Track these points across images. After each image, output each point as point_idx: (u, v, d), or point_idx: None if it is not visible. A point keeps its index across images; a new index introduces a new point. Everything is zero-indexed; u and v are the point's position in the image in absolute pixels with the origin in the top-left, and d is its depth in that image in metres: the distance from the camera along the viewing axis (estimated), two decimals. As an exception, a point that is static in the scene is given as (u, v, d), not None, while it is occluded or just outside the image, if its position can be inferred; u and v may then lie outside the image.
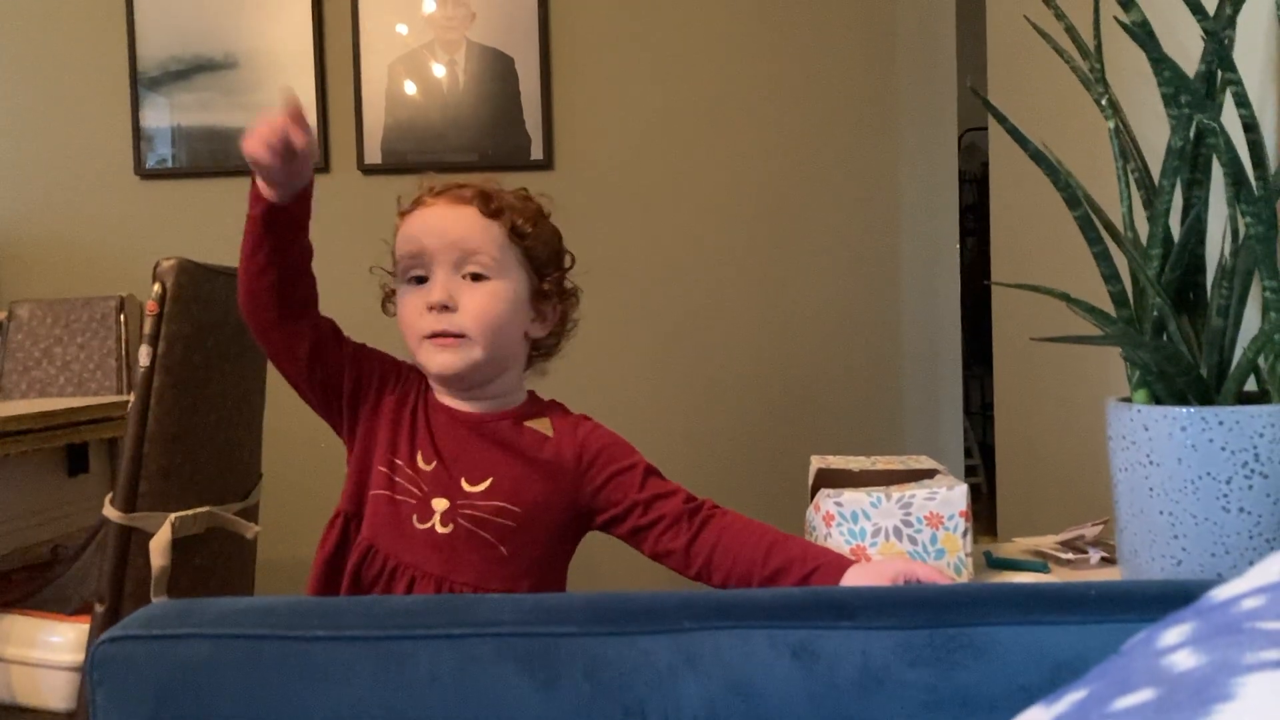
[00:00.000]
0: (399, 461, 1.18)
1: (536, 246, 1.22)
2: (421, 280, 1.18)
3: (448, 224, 1.17)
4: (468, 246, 1.16)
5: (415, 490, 1.16)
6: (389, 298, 1.27)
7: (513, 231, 1.19)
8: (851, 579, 1.07)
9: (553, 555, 1.21)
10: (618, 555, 1.30)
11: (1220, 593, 0.46)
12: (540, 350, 1.29)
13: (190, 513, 1.71)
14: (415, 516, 1.15)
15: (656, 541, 1.17)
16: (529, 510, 1.16)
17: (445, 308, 1.16)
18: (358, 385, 1.22)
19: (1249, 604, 0.43)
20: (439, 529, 1.14)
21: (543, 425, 1.22)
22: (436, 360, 1.17)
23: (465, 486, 1.16)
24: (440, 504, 1.15)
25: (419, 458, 1.18)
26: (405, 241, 1.19)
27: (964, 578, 1.17)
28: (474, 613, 0.81)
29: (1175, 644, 0.42)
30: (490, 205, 1.18)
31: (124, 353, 2.50)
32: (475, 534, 1.14)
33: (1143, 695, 0.39)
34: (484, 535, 1.14)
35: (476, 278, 1.17)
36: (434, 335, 1.16)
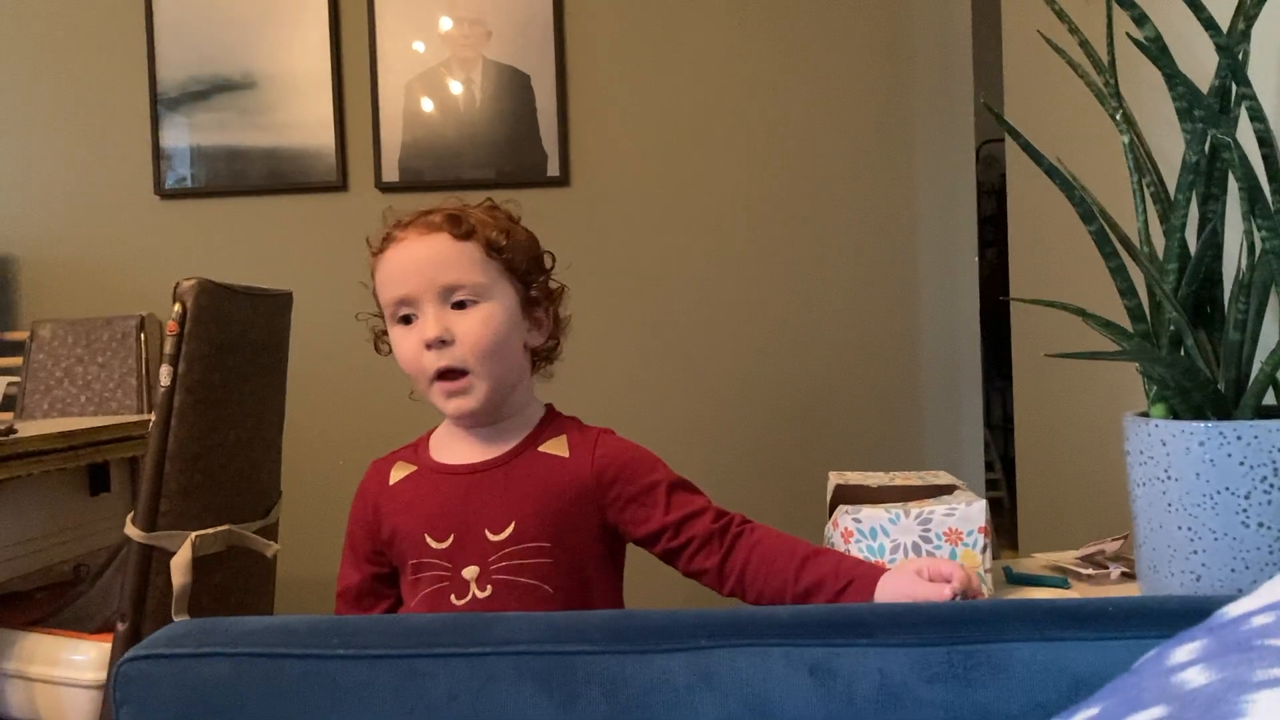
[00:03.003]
0: (416, 559, 1.16)
1: (515, 257, 1.20)
2: (409, 319, 1.16)
3: (423, 258, 1.15)
4: (449, 278, 1.14)
5: (441, 571, 1.14)
6: (380, 338, 1.26)
7: (488, 247, 1.17)
8: (883, 590, 1.05)
9: (601, 576, 1.18)
10: (636, 570, 1.29)
11: (1231, 610, 0.46)
12: (541, 355, 1.27)
13: (211, 531, 1.72)
14: (453, 595, 1.13)
15: (689, 562, 1.15)
16: (560, 540, 1.14)
17: (443, 341, 1.14)
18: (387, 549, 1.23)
19: (1259, 621, 0.43)
20: (479, 596, 1.12)
21: (558, 446, 1.20)
22: (450, 406, 1.16)
23: (490, 537, 1.14)
24: (471, 572, 1.13)
25: (429, 540, 1.16)
26: (387, 284, 1.17)
27: (984, 594, 1.17)
28: (492, 632, 0.81)
29: (1186, 661, 0.43)
30: (460, 227, 1.16)
31: (144, 372, 2.52)
32: (515, 583, 1.12)
33: (1154, 713, 0.40)
34: (525, 581, 1.12)
35: (465, 304, 1.15)
36: (441, 377, 1.15)
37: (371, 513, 1.22)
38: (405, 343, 1.16)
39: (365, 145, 2.94)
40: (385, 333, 1.24)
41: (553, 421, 1.25)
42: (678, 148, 2.93)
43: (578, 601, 1.14)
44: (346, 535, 1.26)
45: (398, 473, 1.22)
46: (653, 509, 1.16)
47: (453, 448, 1.22)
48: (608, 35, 2.93)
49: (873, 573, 1.08)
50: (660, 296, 2.92)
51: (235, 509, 1.83)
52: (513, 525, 1.13)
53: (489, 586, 1.12)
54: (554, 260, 1.28)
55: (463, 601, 1.12)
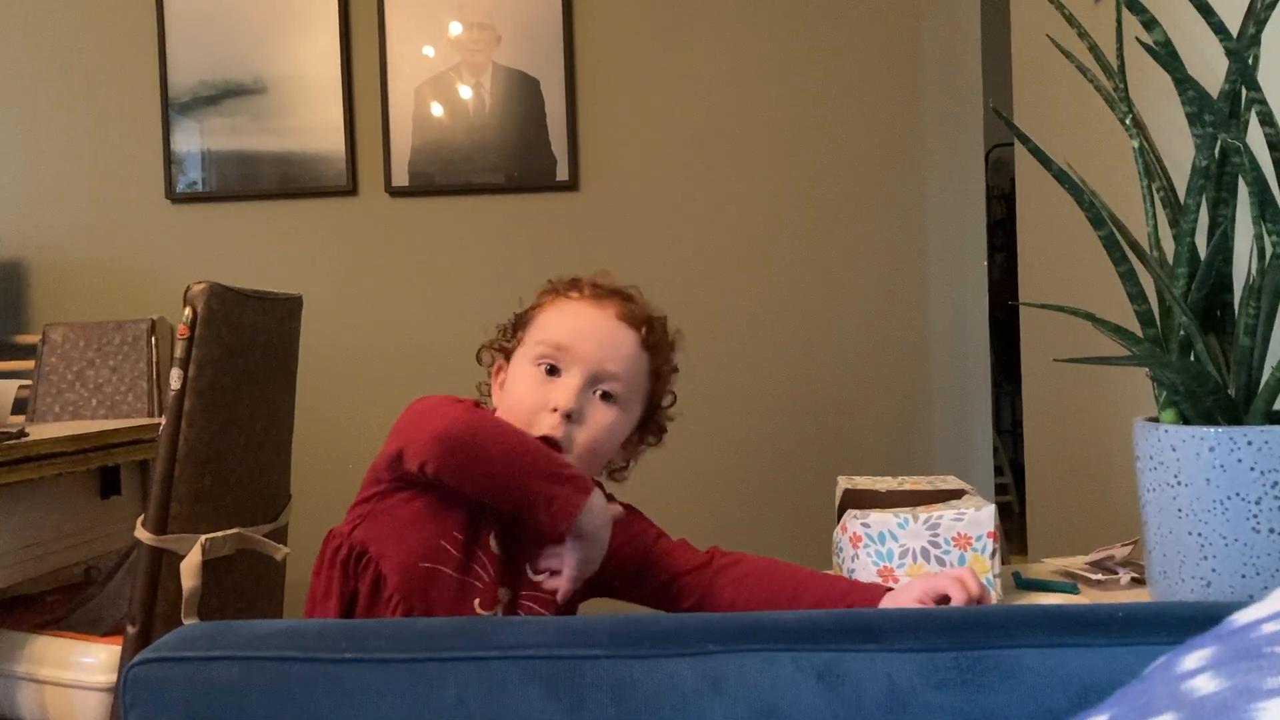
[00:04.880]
0: (475, 546, 1.12)
1: (660, 390, 1.22)
2: (553, 370, 1.15)
3: (608, 336, 1.15)
4: (614, 368, 1.14)
5: (485, 575, 1.11)
6: (493, 350, 1.24)
7: (654, 371, 1.19)
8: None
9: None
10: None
11: (1240, 617, 0.46)
12: (609, 468, 1.27)
13: (220, 534, 1.72)
14: (479, 601, 1.10)
15: (675, 600, 1.16)
16: (575, 597, 1.13)
17: (570, 417, 1.12)
18: None
19: (1269, 628, 0.43)
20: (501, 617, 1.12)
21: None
22: None
23: (530, 575, 1.13)
24: (504, 594, 1.12)
25: (492, 540, 1.12)
26: (557, 326, 1.16)
27: (993, 599, 1.17)
28: (500, 635, 0.81)
29: (1196, 668, 0.42)
30: (651, 337, 1.18)
31: (155, 375, 2.53)
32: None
33: (1164, 720, 0.40)
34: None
35: (606, 397, 1.15)
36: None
37: None
38: (535, 391, 1.14)
39: (375, 150, 2.95)
40: (501, 351, 1.23)
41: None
42: (686, 152, 2.94)
43: None
44: None
45: None
46: (636, 550, 1.18)
47: None
48: (617, 40, 2.93)
49: (870, 595, 1.08)
50: (668, 301, 2.90)
51: (245, 512, 1.83)
52: (546, 573, 1.13)
53: (515, 614, 1.12)
54: (675, 400, 1.27)
55: (484, 614, 1.11)
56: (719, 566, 1.17)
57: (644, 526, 1.22)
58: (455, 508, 1.10)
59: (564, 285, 1.21)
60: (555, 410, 1.12)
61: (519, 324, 1.23)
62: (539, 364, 1.15)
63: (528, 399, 1.14)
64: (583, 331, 1.15)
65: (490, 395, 1.25)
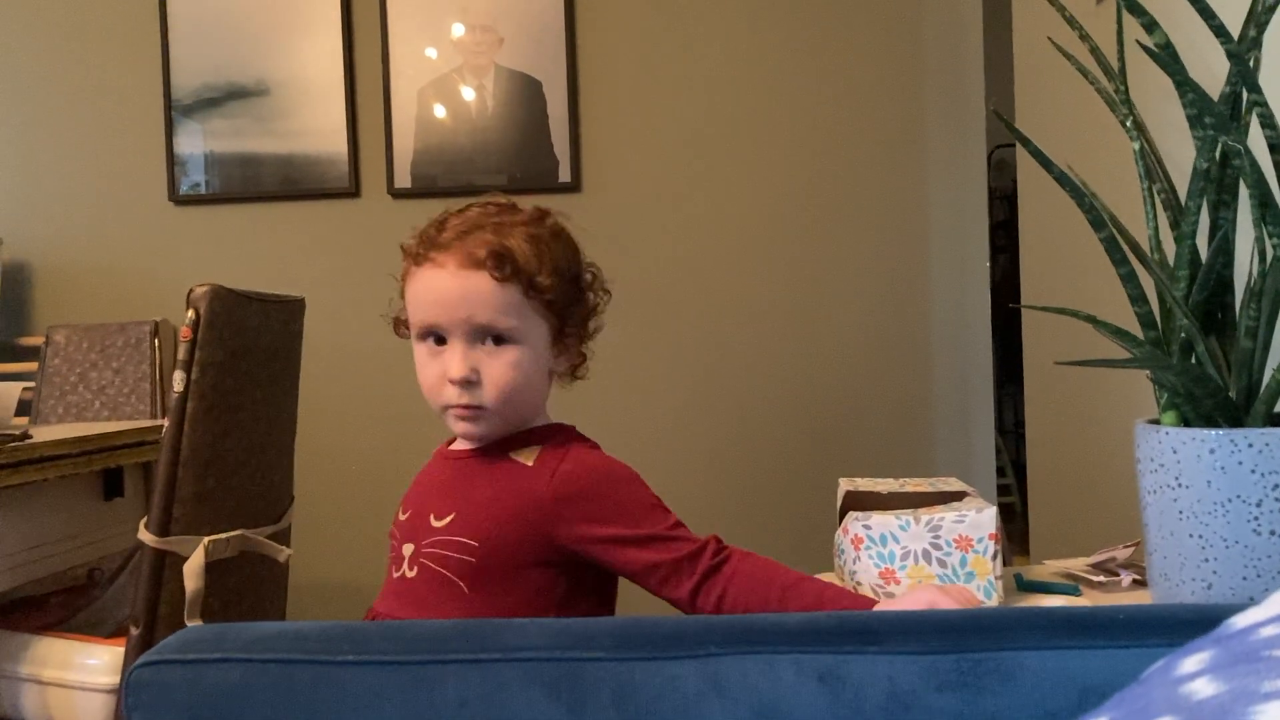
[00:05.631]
0: (393, 522, 1.20)
1: (555, 294, 1.16)
2: (441, 340, 1.14)
3: (460, 294, 1.12)
4: (483, 319, 1.12)
5: (395, 542, 1.17)
6: (401, 325, 1.23)
7: (529, 288, 1.13)
8: None
9: (527, 598, 1.11)
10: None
11: (1239, 620, 0.46)
12: (565, 373, 1.24)
13: (223, 536, 1.73)
14: (393, 568, 1.15)
15: (658, 589, 1.10)
16: (489, 545, 1.10)
17: (468, 381, 1.12)
18: None
19: (1267, 632, 0.43)
20: (407, 574, 1.13)
21: (527, 456, 1.16)
22: (459, 428, 1.17)
23: (433, 522, 1.13)
24: (408, 549, 1.14)
25: (400, 511, 1.19)
26: (417, 306, 1.16)
27: (994, 601, 1.17)
28: (502, 638, 0.81)
29: (1194, 672, 0.43)
30: (504, 269, 1.11)
31: (158, 377, 2.53)
32: (437, 573, 1.10)
33: (1162, 724, 0.40)
34: (445, 573, 1.10)
35: (498, 341, 1.13)
36: (454, 408, 1.14)
37: None
38: (429, 369, 1.15)
39: (378, 151, 2.96)
40: (403, 320, 1.22)
41: (539, 432, 1.20)
42: (688, 154, 2.94)
43: (493, 611, 1.09)
44: None
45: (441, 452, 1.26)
46: (611, 527, 1.11)
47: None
48: (619, 42, 2.94)
49: (859, 606, 1.04)
50: (670, 303, 2.92)
51: (248, 514, 1.83)
52: (453, 515, 1.12)
53: (416, 567, 1.12)
54: (595, 275, 1.24)
55: (397, 576, 1.14)
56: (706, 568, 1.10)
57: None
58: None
59: (413, 250, 1.17)
60: (452, 383, 1.13)
61: (403, 295, 1.21)
62: (422, 339, 1.16)
63: (428, 378, 1.16)
64: (437, 300, 1.13)
65: None
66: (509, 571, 1.11)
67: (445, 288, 1.12)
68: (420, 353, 1.17)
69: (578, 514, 1.11)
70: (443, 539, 1.12)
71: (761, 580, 1.08)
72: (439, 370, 1.14)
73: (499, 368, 1.13)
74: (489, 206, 1.19)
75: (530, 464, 1.15)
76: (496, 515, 1.11)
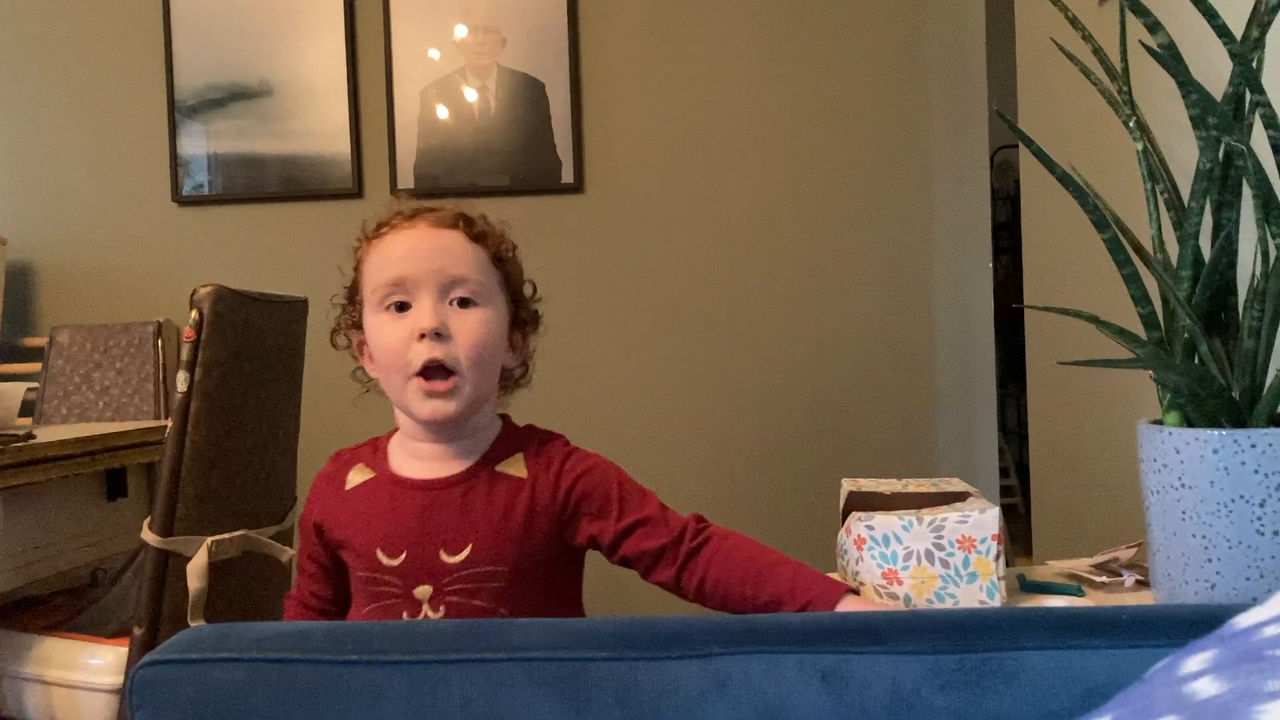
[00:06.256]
0: (367, 573, 1.13)
1: (513, 273, 1.18)
2: (403, 307, 1.11)
3: (433, 246, 1.11)
4: (456, 272, 1.11)
5: (393, 588, 1.11)
6: (343, 331, 1.22)
7: (495, 256, 1.15)
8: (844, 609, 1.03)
9: (558, 595, 1.16)
10: (631, 576, 1.29)
11: (1242, 620, 0.46)
12: (509, 380, 1.23)
13: (227, 536, 1.73)
14: (405, 613, 1.11)
15: (647, 574, 1.13)
16: (516, 565, 1.11)
17: (439, 335, 1.09)
18: (337, 551, 1.19)
19: (1271, 631, 0.43)
20: (431, 615, 1.10)
21: (516, 466, 1.16)
22: (427, 406, 1.11)
23: (445, 559, 1.10)
24: (423, 592, 1.10)
25: (380, 555, 1.12)
26: (383, 265, 1.12)
27: (997, 601, 1.17)
28: (505, 637, 0.81)
29: (1197, 671, 0.43)
30: (475, 229, 1.13)
31: (161, 378, 2.53)
32: (467, 605, 1.09)
33: (1165, 723, 0.40)
34: (477, 604, 1.09)
35: (464, 303, 1.11)
36: (426, 372, 1.09)
37: (320, 516, 1.19)
38: (392, 331, 1.11)
39: (381, 152, 2.96)
40: (353, 326, 1.19)
41: (510, 437, 1.20)
42: (691, 154, 2.94)
43: None
44: (300, 520, 1.23)
45: (356, 476, 1.19)
46: (606, 520, 1.13)
47: (410, 462, 1.17)
48: (622, 43, 2.94)
49: (832, 592, 1.06)
50: (673, 303, 2.92)
51: (251, 514, 1.83)
52: (469, 548, 1.10)
53: (442, 608, 1.10)
54: (535, 289, 1.24)
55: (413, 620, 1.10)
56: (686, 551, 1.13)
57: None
58: (350, 548, 1.15)
59: (370, 230, 1.17)
60: (422, 337, 1.09)
61: (351, 292, 1.20)
62: (386, 307, 1.11)
63: (392, 341, 1.10)
64: (408, 254, 1.11)
65: (367, 379, 1.23)
66: (538, 583, 1.13)
67: (417, 241, 1.12)
68: (383, 321, 1.12)
69: (584, 514, 1.14)
70: (467, 572, 1.10)
71: (738, 563, 1.10)
72: (405, 330, 1.10)
73: (470, 324, 1.11)
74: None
75: (524, 475, 1.15)
76: (513, 534, 1.11)
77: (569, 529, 1.15)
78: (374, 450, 1.21)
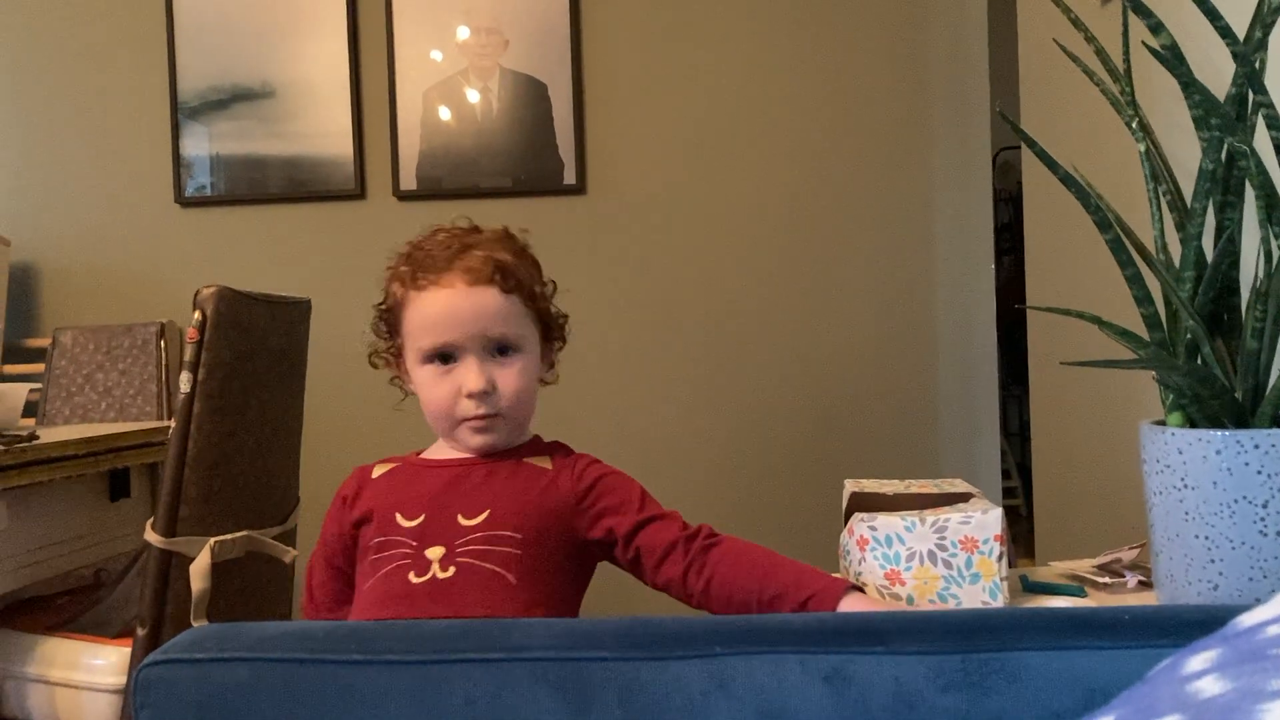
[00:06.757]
0: (383, 537, 1.16)
1: (544, 304, 1.25)
2: (446, 359, 1.19)
3: (472, 311, 1.17)
4: (497, 331, 1.18)
5: (405, 549, 1.14)
6: (381, 354, 1.28)
7: (528, 299, 1.21)
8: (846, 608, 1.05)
9: (563, 587, 1.18)
10: (629, 577, 1.29)
11: (1246, 619, 0.46)
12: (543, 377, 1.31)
13: (230, 537, 1.73)
14: (412, 573, 1.12)
15: (655, 572, 1.16)
16: (532, 536, 1.14)
17: (486, 394, 1.17)
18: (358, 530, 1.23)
19: (1274, 631, 0.43)
20: (440, 575, 1.11)
21: (543, 461, 1.23)
22: (474, 441, 1.20)
23: (462, 521, 1.14)
24: (435, 552, 1.12)
25: (399, 518, 1.16)
26: (425, 328, 1.19)
27: (1000, 602, 1.17)
28: (508, 638, 0.81)
29: (1201, 670, 0.43)
30: (508, 282, 1.19)
31: (164, 378, 2.53)
32: (479, 568, 1.11)
33: (1168, 722, 0.40)
34: (489, 567, 1.11)
35: (503, 350, 1.19)
36: (470, 421, 1.18)
37: (349, 503, 1.23)
38: (440, 388, 1.19)
39: (383, 154, 2.96)
40: (389, 351, 1.27)
41: (539, 445, 1.27)
42: (693, 156, 2.94)
43: (539, 600, 1.12)
44: (320, 534, 1.27)
45: (380, 469, 1.26)
46: (621, 519, 1.18)
47: (442, 450, 1.25)
48: (624, 44, 2.94)
49: (833, 589, 1.07)
50: (675, 305, 2.93)
51: (254, 515, 1.84)
52: (488, 512, 1.15)
53: (452, 568, 1.11)
54: (555, 287, 1.30)
55: (421, 580, 1.11)
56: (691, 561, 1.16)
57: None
58: (370, 518, 1.19)
59: (407, 276, 1.21)
60: (470, 396, 1.17)
61: (391, 325, 1.25)
62: (428, 361, 1.20)
63: (442, 397, 1.19)
64: (449, 319, 1.17)
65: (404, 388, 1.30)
66: (548, 561, 1.16)
67: (458, 306, 1.17)
68: (425, 375, 1.20)
69: (599, 508, 1.19)
70: (482, 534, 1.13)
71: (745, 563, 1.13)
72: (452, 388, 1.18)
73: (511, 376, 1.20)
74: (454, 229, 1.25)
75: (549, 467, 1.22)
76: (530, 509, 1.16)
77: (584, 518, 1.18)
78: (400, 457, 1.28)
